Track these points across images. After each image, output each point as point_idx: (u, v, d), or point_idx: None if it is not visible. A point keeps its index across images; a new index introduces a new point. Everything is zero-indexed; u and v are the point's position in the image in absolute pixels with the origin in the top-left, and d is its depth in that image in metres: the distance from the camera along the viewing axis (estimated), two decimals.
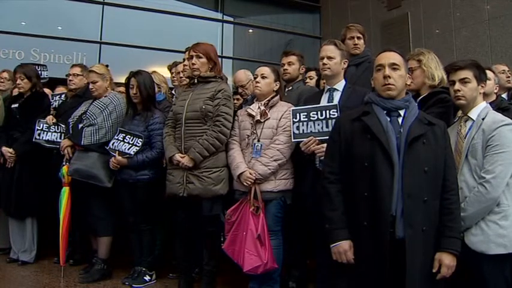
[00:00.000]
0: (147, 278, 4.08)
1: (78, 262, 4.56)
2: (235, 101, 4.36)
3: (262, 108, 3.59)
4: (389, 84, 2.43)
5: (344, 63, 3.46)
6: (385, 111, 2.45)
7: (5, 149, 4.59)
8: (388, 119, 2.43)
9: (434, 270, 2.31)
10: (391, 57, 2.50)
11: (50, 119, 4.54)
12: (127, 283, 4.05)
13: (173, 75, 4.92)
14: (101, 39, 9.25)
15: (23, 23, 8.93)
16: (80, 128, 4.12)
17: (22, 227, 4.65)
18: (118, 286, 4.04)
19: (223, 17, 10.40)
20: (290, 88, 4.18)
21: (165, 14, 9.78)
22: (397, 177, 2.29)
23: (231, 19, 10.62)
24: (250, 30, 10.96)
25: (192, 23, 9.90)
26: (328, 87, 3.48)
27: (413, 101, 2.57)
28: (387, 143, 2.32)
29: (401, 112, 2.46)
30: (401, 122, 2.43)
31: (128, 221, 4.10)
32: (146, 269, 4.10)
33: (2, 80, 5.52)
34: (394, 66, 2.46)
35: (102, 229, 4.20)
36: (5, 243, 4.86)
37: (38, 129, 4.49)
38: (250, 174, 3.44)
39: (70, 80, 4.76)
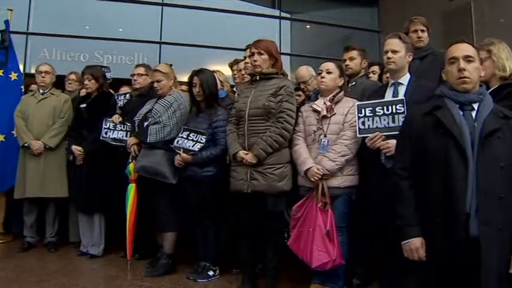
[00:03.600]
0: (210, 273, 4.12)
1: (143, 256, 4.66)
2: (297, 97, 4.33)
3: (328, 103, 3.56)
4: (464, 77, 2.35)
5: (409, 57, 3.38)
6: (457, 105, 2.37)
7: (74, 147, 4.77)
8: (461, 113, 2.34)
9: (511, 271, 2.21)
10: (465, 49, 2.41)
11: (116, 117, 4.67)
12: (191, 278, 4.10)
13: (234, 72, 4.94)
14: (160, 39, 9.43)
15: (86, 27, 9.27)
16: (145, 126, 4.22)
17: (91, 222, 4.82)
18: (182, 281, 4.10)
19: (280, 14, 10.36)
20: (353, 83, 4.11)
21: (223, 12, 9.85)
22: (471, 173, 2.20)
23: (288, 15, 10.58)
24: (308, 26, 10.87)
25: (249, 21, 9.93)
26: (393, 81, 3.41)
27: (488, 93, 2.48)
28: (461, 138, 2.24)
29: (475, 106, 2.37)
30: (475, 116, 2.34)
31: (193, 217, 4.16)
32: (210, 264, 4.14)
33: (70, 82, 5.77)
34: (468, 59, 2.37)
35: (167, 225, 4.27)
36: (76, 237, 5.06)
37: (105, 128, 4.64)
38: (318, 169, 3.42)
39: (135, 80, 4.90)
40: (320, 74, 3.71)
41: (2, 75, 5.49)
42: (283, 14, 10.43)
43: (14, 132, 5.26)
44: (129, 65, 8.40)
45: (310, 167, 3.47)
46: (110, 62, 8.60)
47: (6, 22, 5.62)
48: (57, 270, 4.35)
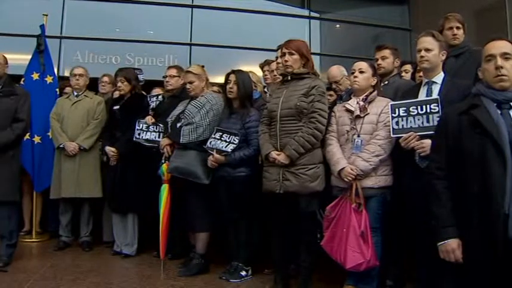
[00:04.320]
0: (243, 273, 4.14)
1: (176, 256, 4.71)
2: (329, 97, 4.32)
3: (362, 103, 3.54)
4: (502, 75, 2.29)
5: (442, 55, 3.32)
6: (495, 104, 2.31)
7: (108, 148, 4.84)
8: (499, 112, 2.28)
9: None
10: (503, 46, 2.35)
11: (149, 119, 4.72)
12: (224, 278, 4.13)
13: (265, 73, 4.95)
14: (190, 40, 9.48)
15: (117, 30, 9.40)
16: (178, 127, 4.25)
17: (124, 222, 4.88)
18: (215, 281, 4.12)
19: (309, 14, 10.30)
20: (386, 83, 4.06)
21: (252, 13, 9.84)
22: (509, 173, 2.14)
23: (318, 15, 10.51)
24: (337, 26, 10.78)
25: (279, 21, 9.89)
26: (426, 80, 3.36)
27: None
28: (499, 138, 2.18)
29: None
30: None
31: (225, 217, 4.19)
32: (242, 264, 4.15)
33: (103, 84, 5.85)
34: (506, 56, 2.31)
35: (200, 225, 4.29)
36: (109, 236, 5.13)
37: (138, 129, 4.69)
38: (351, 170, 3.40)
39: (167, 81, 4.94)
40: (353, 73, 3.68)
41: (38, 78, 5.60)
42: (312, 14, 10.36)
43: (49, 134, 5.36)
44: (160, 67, 8.53)
45: (344, 167, 3.45)
46: (141, 64, 8.68)
47: (42, 27, 5.74)
48: (91, 269, 4.42)
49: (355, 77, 3.64)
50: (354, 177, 3.41)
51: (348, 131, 3.58)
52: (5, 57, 4.59)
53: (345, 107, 3.66)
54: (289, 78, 3.77)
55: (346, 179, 3.45)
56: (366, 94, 3.60)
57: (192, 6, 9.64)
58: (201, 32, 9.52)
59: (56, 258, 4.77)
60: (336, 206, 3.53)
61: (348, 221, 3.40)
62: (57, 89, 5.75)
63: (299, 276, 3.84)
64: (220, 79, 4.56)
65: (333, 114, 3.75)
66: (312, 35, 10.06)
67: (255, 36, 9.53)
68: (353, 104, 3.61)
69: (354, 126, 3.56)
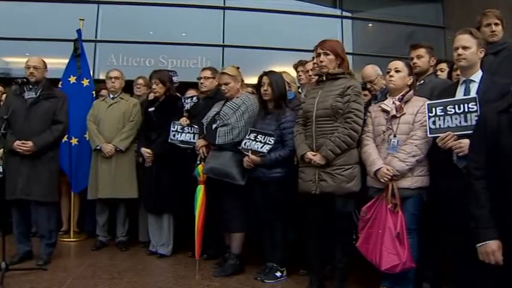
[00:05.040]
0: (278, 274, 4.13)
1: (211, 257, 4.72)
2: (364, 97, 4.28)
3: (398, 103, 3.50)
4: None
5: (481, 53, 3.25)
6: None
7: (143, 149, 4.89)
8: None
9: None
10: None
11: (183, 120, 4.76)
12: (259, 278, 4.14)
13: (300, 73, 4.94)
14: (223, 42, 9.51)
15: (150, 33, 9.54)
16: (214, 128, 4.27)
17: (160, 223, 4.93)
18: (250, 281, 4.13)
19: (342, 13, 10.23)
20: (422, 82, 3.99)
21: (284, 13, 9.81)
22: None
23: (350, 14, 10.42)
24: (370, 25, 10.67)
25: (311, 21, 9.83)
26: (464, 78, 3.30)
27: None
28: None
29: None
30: None
31: (261, 218, 4.19)
32: (277, 265, 4.14)
33: (138, 86, 5.93)
34: None
35: (235, 225, 4.31)
36: (145, 237, 5.20)
37: (173, 131, 4.73)
38: (388, 170, 3.37)
39: (201, 83, 4.96)
40: (388, 72, 3.64)
41: (75, 81, 5.72)
42: (344, 13, 10.28)
43: (86, 135, 5.48)
44: (193, 69, 8.61)
45: (380, 168, 3.42)
46: (174, 66, 8.76)
47: (79, 31, 5.86)
48: (128, 268, 4.49)
49: (391, 76, 3.60)
50: (390, 177, 3.38)
51: (384, 131, 3.54)
52: (44, 62, 4.71)
53: (380, 107, 3.62)
54: (324, 78, 3.75)
55: (382, 180, 3.42)
56: (402, 94, 3.55)
57: (224, 8, 9.68)
58: (233, 34, 9.55)
59: (94, 258, 4.86)
60: (371, 207, 3.51)
61: (384, 222, 3.37)
62: (94, 92, 5.85)
63: (334, 277, 3.84)
64: (253, 80, 4.57)
65: (368, 114, 3.72)
66: (345, 35, 9.97)
67: (287, 37, 9.51)
68: (389, 104, 3.57)
69: (390, 127, 3.52)
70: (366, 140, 3.63)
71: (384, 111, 3.58)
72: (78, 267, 4.51)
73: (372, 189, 3.58)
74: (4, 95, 5.83)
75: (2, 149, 4.60)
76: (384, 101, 3.68)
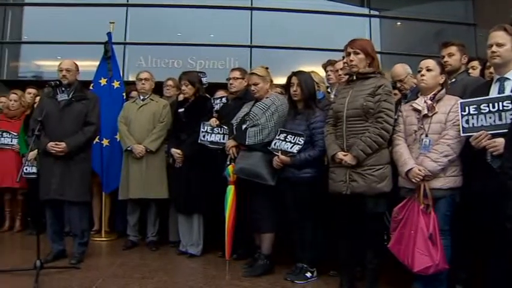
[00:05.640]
0: (308, 274, 4.11)
1: (241, 257, 4.74)
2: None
3: (429, 102, 3.45)
4: None
5: None
6: None
7: (174, 150, 4.93)
8: None
9: None
10: None
11: (213, 121, 4.78)
12: (289, 279, 4.12)
13: (329, 73, 4.92)
14: (251, 42, 9.58)
15: (179, 34, 9.64)
16: (243, 128, 4.30)
17: (190, 223, 4.96)
18: (280, 281, 4.12)
19: (369, 12, 10.19)
20: (453, 80, 3.93)
21: (311, 13, 9.80)
22: None
23: (377, 13, 10.37)
24: (398, 23, 10.58)
25: (338, 20, 9.83)
26: (498, 76, 3.25)
27: None
28: None
29: None
30: None
31: (291, 218, 4.17)
32: (308, 266, 4.13)
33: (167, 87, 5.99)
34: None
35: (265, 226, 4.31)
36: (175, 236, 5.24)
37: (202, 131, 4.76)
38: (419, 170, 3.33)
39: (230, 84, 4.99)
40: (419, 71, 3.59)
41: (106, 83, 5.82)
42: (372, 12, 10.24)
43: (117, 137, 5.56)
44: (221, 70, 8.68)
45: (412, 168, 3.38)
46: (202, 67, 8.86)
47: (109, 34, 5.95)
48: (158, 268, 4.53)
49: (422, 75, 3.55)
50: (422, 178, 3.34)
51: (415, 131, 3.50)
52: (76, 65, 4.79)
53: (412, 106, 3.58)
54: (354, 78, 3.73)
55: (414, 180, 3.37)
56: (433, 93, 3.50)
57: (251, 9, 9.74)
58: (260, 34, 9.61)
59: (125, 257, 4.93)
60: (403, 208, 3.47)
61: (416, 222, 3.33)
62: (124, 93, 5.94)
63: (365, 278, 3.80)
64: (281, 80, 4.58)
65: (399, 113, 3.68)
66: (372, 34, 9.92)
67: (314, 37, 9.51)
68: (420, 103, 3.52)
69: (422, 126, 3.47)
70: (397, 139, 3.59)
71: (416, 110, 3.53)
72: (109, 266, 4.57)
73: (404, 189, 3.53)
74: (37, 98, 5.99)
75: (36, 150, 4.71)
76: (415, 100, 3.64)
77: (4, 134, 6.13)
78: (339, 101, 3.76)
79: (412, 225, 3.36)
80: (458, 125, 3.24)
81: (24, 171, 5.04)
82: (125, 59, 9.15)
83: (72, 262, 4.50)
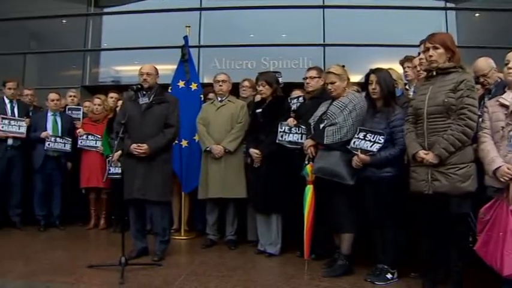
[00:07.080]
0: (389, 275, 4.03)
1: (319, 256, 4.70)
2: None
3: None
4: None
5: None
6: None
7: (252, 150, 4.98)
8: None
9: None
10: None
11: (291, 121, 4.79)
12: (369, 280, 4.05)
13: (406, 69, 4.82)
14: (324, 41, 9.52)
15: (251, 35, 9.75)
16: (321, 128, 4.27)
17: (268, 222, 5.00)
18: (360, 282, 4.07)
19: (445, 5, 9.85)
20: None
21: (384, 9, 9.61)
22: None
23: (454, 5, 10.00)
24: (476, 15, 10.14)
25: (413, 15, 9.56)
26: None
27: None
28: None
29: None
30: None
31: (371, 218, 4.10)
32: (388, 267, 4.04)
33: (244, 88, 6.04)
34: None
35: (344, 226, 4.26)
36: (254, 236, 5.30)
37: (280, 131, 4.77)
38: (508, 169, 3.18)
39: (307, 83, 4.98)
40: (507, 64, 3.44)
41: (184, 86, 5.99)
42: (448, 5, 9.87)
43: (195, 137, 5.72)
44: (295, 69, 8.71)
45: (500, 166, 3.23)
46: (276, 67, 8.86)
47: (185, 38, 6.12)
48: (237, 267, 4.59)
49: (510, 68, 3.40)
50: (511, 177, 3.19)
51: (503, 128, 3.34)
52: (156, 68, 4.96)
53: (499, 101, 3.42)
54: (434, 73, 3.62)
55: (502, 179, 3.23)
56: None
57: (323, 7, 9.67)
58: (333, 32, 9.52)
59: (204, 256, 5.04)
60: (491, 208, 3.32)
61: (505, 224, 3.17)
62: (201, 95, 6.08)
63: (448, 281, 3.67)
64: (356, 78, 4.51)
65: (485, 109, 3.53)
66: (449, 27, 9.55)
67: (388, 33, 9.32)
68: (508, 98, 3.37)
69: (510, 122, 3.31)
70: (483, 136, 3.45)
71: (503, 105, 3.38)
72: (189, 264, 4.69)
73: (491, 189, 3.39)
74: (119, 102, 6.26)
75: (120, 152, 4.91)
76: (501, 95, 3.48)
77: (89, 136, 6.45)
78: (419, 97, 3.67)
79: (500, 226, 3.21)
80: None
81: (109, 171, 5.24)
82: (200, 62, 9.31)
83: (154, 259, 4.66)
